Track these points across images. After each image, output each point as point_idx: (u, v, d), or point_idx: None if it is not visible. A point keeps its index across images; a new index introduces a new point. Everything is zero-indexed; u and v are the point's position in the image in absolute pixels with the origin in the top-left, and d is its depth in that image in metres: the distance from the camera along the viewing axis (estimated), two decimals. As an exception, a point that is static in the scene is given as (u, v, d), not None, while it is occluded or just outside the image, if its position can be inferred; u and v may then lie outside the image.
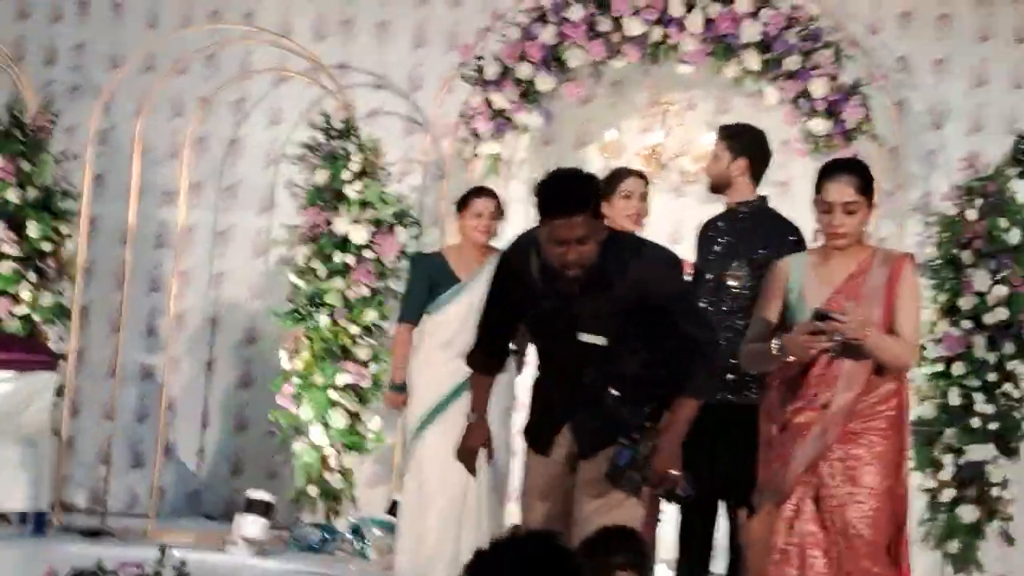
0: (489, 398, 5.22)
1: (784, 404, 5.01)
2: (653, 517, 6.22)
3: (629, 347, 4.77)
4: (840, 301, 4.89)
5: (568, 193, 4.65)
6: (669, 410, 4.81)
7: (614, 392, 4.79)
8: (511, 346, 5.71)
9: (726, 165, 6.07)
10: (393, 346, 6.96)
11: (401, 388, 6.76)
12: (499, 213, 6.74)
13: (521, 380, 6.69)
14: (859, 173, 4.93)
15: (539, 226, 4.70)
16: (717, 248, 6.01)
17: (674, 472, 4.77)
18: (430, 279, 6.66)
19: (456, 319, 6.54)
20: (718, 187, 6.12)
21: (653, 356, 4.80)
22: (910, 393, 5.44)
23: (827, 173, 4.96)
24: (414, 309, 6.74)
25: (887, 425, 4.92)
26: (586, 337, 4.74)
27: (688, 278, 6.01)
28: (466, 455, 5.19)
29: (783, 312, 5.05)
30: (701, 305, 5.91)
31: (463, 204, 6.77)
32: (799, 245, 5.93)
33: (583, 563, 2.95)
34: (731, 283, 5.91)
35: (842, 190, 4.87)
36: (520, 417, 6.66)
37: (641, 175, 6.29)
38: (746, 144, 6.09)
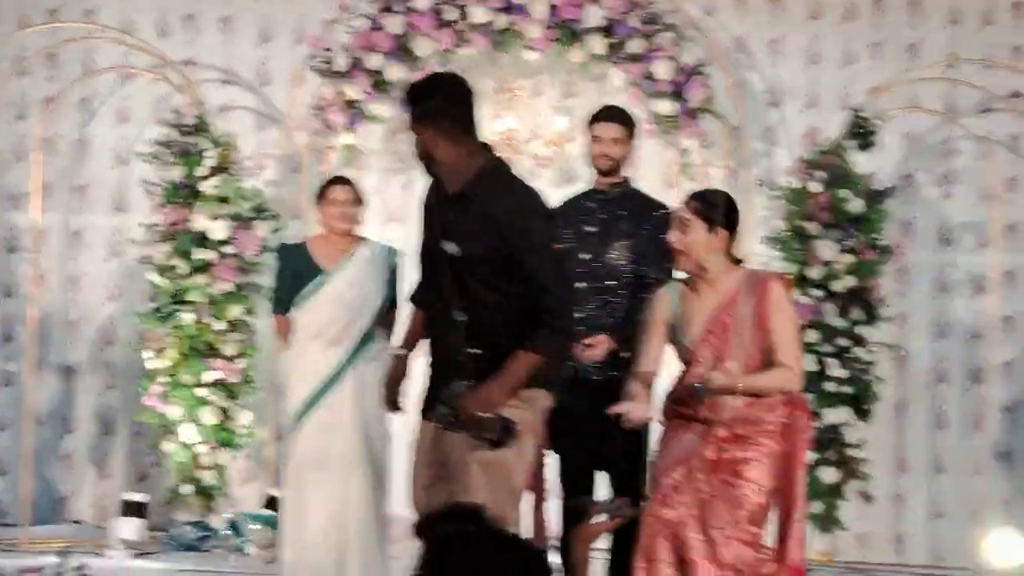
0: (418, 335, 5.18)
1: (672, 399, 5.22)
2: (540, 498, 6.35)
3: (487, 297, 4.81)
4: (710, 341, 5.09)
5: (411, 98, 4.83)
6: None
7: (472, 351, 4.81)
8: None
9: (628, 150, 6.19)
10: (277, 333, 6.82)
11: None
12: (357, 200, 6.72)
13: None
14: (697, 198, 5.22)
15: None
16: (592, 228, 6.14)
17: (482, 415, 4.73)
18: (294, 270, 6.63)
19: (322, 309, 6.52)
20: (614, 170, 6.21)
21: (509, 309, 4.81)
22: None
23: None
24: (282, 300, 6.69)
25: (775, 429, 5.05)
26: (454, 257, 4.83)
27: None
28: (389, 387, 5.22)
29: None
30: (579, 285, 6.07)
31: (321, 194, 6.76)
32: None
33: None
34: (617, 263, 6.06)
35: (679, 211, 5.21)
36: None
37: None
38: (636, 131, 6.26)
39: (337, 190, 6.69)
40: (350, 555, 6.43)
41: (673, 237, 5.11)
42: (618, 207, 6.16)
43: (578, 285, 6.05)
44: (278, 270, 6.74)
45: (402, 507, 6.90)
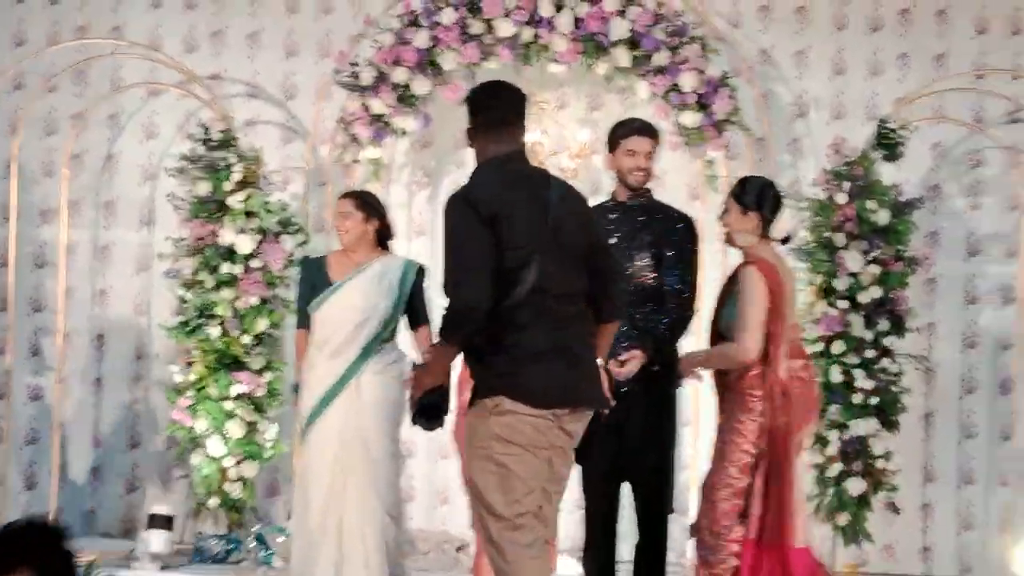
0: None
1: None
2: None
3: None
4: None
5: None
6: None
7: None
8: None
9: (650, 161, 6.19)
10: (297, 347, 6.82)
11: (295, 389, 6.76)
12: (363, 213, 6.64)
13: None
14: (738, 182, 5.98)
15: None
16: (615, 240, 6.12)
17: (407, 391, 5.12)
18: (312, 283, 6.64)
19: (327, 321, 6.54)
20: (642, 186, 6.19)
21: None
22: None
23: None
24: (301, 314, 6.72)
25: (743, 402, 5.73)
26: None
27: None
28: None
29: None
30: None
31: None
32: (694, 234, 6.16)
33: None
34: (644, 276, 6.05)
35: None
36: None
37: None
38: (659, 144, 6.26)
39: (339, 203, 6.72)
40: (348, 563, 6.39)
41: (721, 216, 5.87)
42: (641, 218, 6.14)
43: None
44: (299, 283, 6.78)
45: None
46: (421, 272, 6.69)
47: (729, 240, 5.86)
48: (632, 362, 5.88)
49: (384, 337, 6.55)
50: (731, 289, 5.76)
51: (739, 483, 5.62)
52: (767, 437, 5.60)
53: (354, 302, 6.52)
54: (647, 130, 6.20)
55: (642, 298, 6.04)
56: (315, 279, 6.63)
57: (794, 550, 5.56)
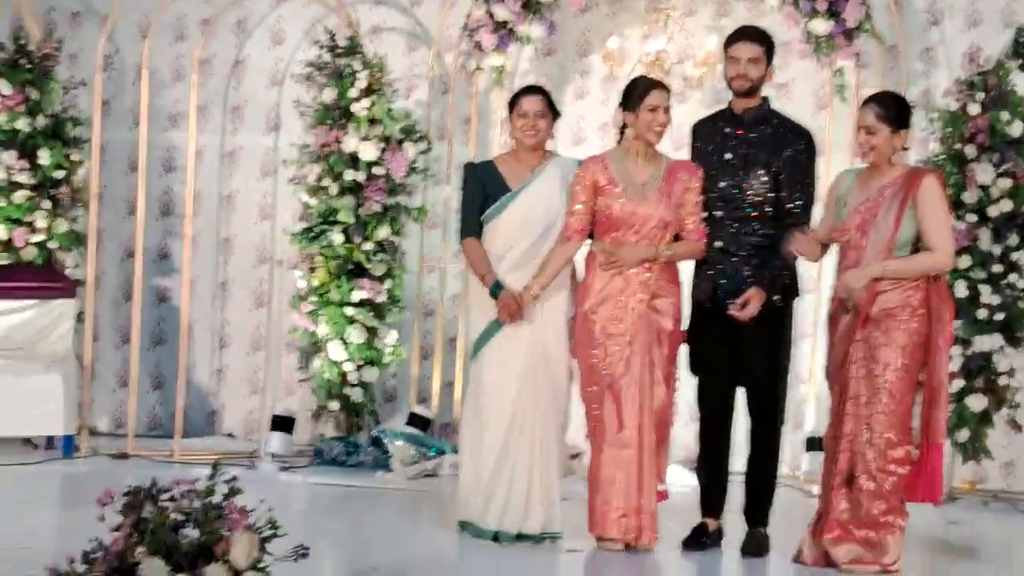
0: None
1: None
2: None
3: None
4: (866, 207, 5.80)
5: None
6: None
7: None
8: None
9: (763, 70, 6.09)
10: (467, 260, 6.27)
11: (497, 287, 6.06)
12: (549, 112, 6.16)
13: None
14: (880, 102, 5.86)
15: None
16: (729, 155, 6.07)
17: None
18: (482, 190, 6.14)
19: (507, 231, 6.10)
20: (752, 91, 6.10)
21: None
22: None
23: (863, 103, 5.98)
24: (472, 223, 6.15)
25: (911, 315, 5.75)
26: None
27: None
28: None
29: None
30: (717, 213, 6.02)
31: (511, 105, 6.20)
32: (812, 147, 6.06)
33: None
34: (755, 191, 6.00)
35: (864, 116, 5.84)
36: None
37: (664, 86, 6.04)
38: (772, 51, 6.15)
39: (526, 101, 6.14)
40: (533, 482, 6.08)
41: (861, 139, 5.83)
42: (756, 133, 6.07)
43: (716, 214, 6.03)
44: (465, 190, 6.24)
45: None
46: None
47: (874, 159, 5.81)
48: (752, 304, 5.94)
49: None
50: (904, 199, 5.72)
51: None
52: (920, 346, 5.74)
53: (537, 210, 6.08)
54: (750, 35, 6.13)
55: (756, 215, 5.99)
56: (488, 186, 6.14)
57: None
